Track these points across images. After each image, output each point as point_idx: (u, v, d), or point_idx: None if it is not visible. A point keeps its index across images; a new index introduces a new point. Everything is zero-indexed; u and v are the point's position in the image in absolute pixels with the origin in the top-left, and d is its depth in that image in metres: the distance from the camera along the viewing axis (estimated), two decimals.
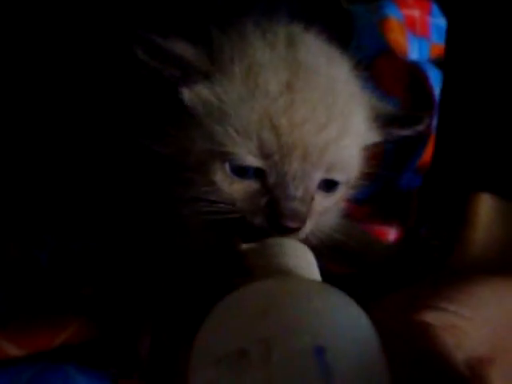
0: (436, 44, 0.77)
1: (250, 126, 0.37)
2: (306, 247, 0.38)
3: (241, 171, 0.39)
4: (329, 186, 0.41)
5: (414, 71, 0.66)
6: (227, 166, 0.39)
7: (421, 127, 0.45)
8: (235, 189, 0.39)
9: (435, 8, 0.78)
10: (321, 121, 0.38)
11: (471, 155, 0.51)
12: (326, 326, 0.28)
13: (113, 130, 0.46)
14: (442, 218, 0.47)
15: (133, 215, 0.47)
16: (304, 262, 0.36)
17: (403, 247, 0.51)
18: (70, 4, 0.48)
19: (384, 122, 0.44)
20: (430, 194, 0.59)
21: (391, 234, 0.60)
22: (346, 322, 0.29)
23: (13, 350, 0.42)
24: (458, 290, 0.36)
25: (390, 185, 0.64)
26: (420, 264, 0.46)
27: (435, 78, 0.65)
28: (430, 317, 0.34)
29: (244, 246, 0.38)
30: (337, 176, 0.41)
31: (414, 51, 0.75)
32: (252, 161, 0.38)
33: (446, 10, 0.73)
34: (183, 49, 0.40)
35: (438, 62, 0.73)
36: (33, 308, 0.45)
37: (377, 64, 0.65)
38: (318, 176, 0.40)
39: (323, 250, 0.44)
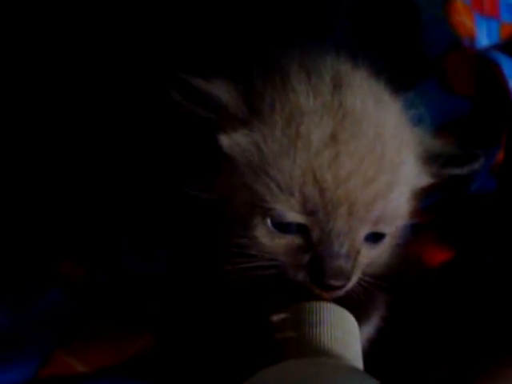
0: (507, 23, 0.71)
1: (291, 181, 0.35)
2: (345, 312, 0.36)
3: (283, 226, 0.37)
4: (375, 237, 0.39)
5: (486, 64, 0.61)
6: (269, 221, 0.37)
7: (477, 165, 0.41)
8: (277, 244, 0.37)
9: None
10: (368, 174, 0.36)
11: None
12: None
13: (154, 170, 0.46)
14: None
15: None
16: (340, 332, 0.34)
17: (455, 270, 0.48)
18: (107, 50, 0.48)
19: (437, 161, 0.41)
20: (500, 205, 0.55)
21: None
22: None
23: (79, 367, 0.43)
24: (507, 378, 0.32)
25: (460, 189, 0.61)
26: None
27: (510, 70, 0.60)
28: None
29: (275, 318, 0.36)
30: (384, 228, 0.39)
31: (482, 34, 0.69)
32: (294, 217, 0.36)
33: None
34: (221, 90, 0.38)
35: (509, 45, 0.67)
36: (98, 325, 0.46)
37: (447, 63, 0.60)
38: (364, 231, 0.37)
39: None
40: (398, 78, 0.43)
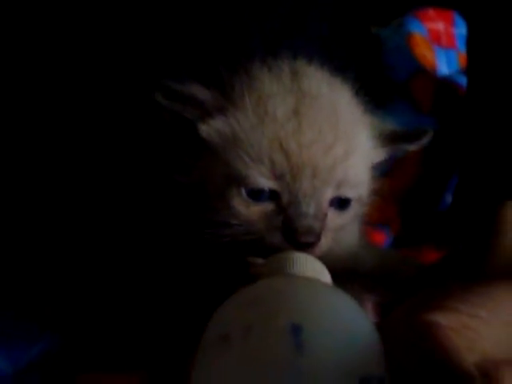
0: (464, 53, 0.76)
1: (261, 150, 0.40)
2: (315, 259, 0.39)
3: (256, 194, 0.41)
4: (341, 204, 0.43)
5: (450, 86, 0.66)
6: (243, 190, 0.41)
7: (425, 141, 0.46)
8: (252, 211, 0.41)
9: (458, 18, 0.77)
10: (328, 141, 0.41)
11: (499, 165, 0.49)
12: (309, 310, 0.29)
13: (138, 164, 0.50)
14: (473, 232, 0.46)
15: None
16: (311, 270, 0.37)
17: (443, 267, 0.50)
18: (94, 66, 0.50)
19: (389, 139, 0.46)
20: (461, 208, 0.58)
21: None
22: (331, 310, 0.30)
23: None
24: (475, 292, 0.34)
25: (429, 206, 0.64)
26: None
27: None
28: (440, 317, 0.32)
29: (251, 259, 0.40)
30: (347, 193, 0.43)
31: (442, 64, 0.74)
32: (265, 183, 0.40)
33: (466, 16, 0.72)
34: (199, 90, 0.43)
35: None
36: (92, 365, 0.46)
37: (412, 86, 0.65)
38: (328, 193, 0.42)
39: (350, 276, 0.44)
40: (369, 98, 0.47)
